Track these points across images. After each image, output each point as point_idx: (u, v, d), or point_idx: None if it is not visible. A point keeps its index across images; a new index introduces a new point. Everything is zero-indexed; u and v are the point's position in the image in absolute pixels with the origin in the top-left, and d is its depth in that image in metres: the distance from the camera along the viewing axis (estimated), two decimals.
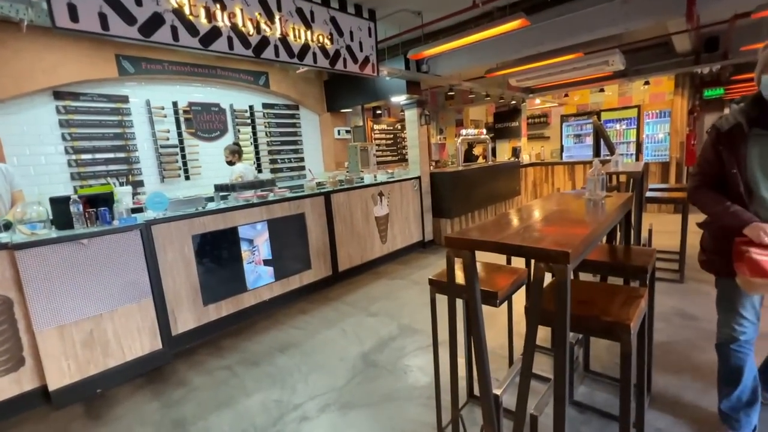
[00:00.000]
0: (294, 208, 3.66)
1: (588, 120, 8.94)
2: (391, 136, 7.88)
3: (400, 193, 4.89)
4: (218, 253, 3.13)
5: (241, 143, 5.30)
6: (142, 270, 2.59)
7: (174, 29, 2.44)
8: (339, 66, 3.56)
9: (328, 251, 4.02)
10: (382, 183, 4.59)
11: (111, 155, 4.23)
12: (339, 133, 6.27)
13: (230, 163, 4.49)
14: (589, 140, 9.01)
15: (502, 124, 8.21)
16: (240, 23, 2.77)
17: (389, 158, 7.86)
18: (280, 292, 3.57)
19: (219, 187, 3.51)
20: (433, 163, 8.89)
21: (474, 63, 4.81)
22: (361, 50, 3.78)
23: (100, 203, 2.58)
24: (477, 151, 8.73)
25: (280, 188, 3.89)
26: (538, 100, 7.79)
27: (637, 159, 8.17)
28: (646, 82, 6.37)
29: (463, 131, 6.06)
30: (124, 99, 4.30)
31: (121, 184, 4.08)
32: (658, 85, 8.22)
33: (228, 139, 5.24)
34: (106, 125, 4.19)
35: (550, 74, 6.04)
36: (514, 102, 7.30)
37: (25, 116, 3.72)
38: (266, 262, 3.47)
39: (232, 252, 3.22)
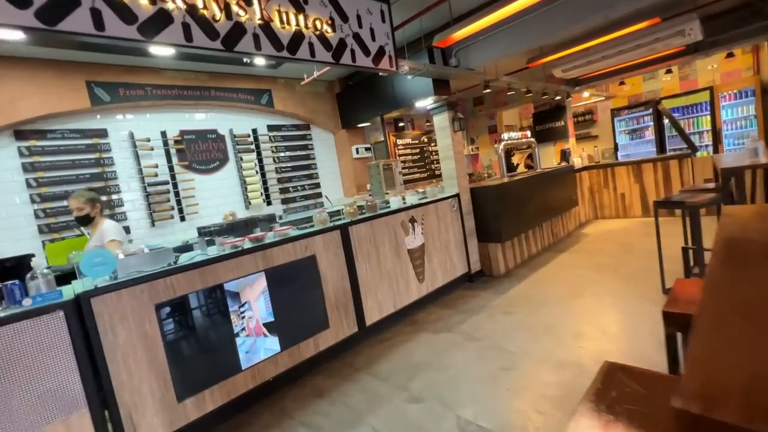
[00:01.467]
0: (301, 250, 2.77)
1: (645, 111, 7.68)
2: (417, 150, 6.99)
3: (435, 216, 3.92)
4: (196, 324, 2.26)
5: (246, 173, 4.55)
6: (68, 370, 1.74)
7: (96, 14, 1.67)
8: (345, 59, 2.72)
9: (350, 301, 3.07)
10: (412, 206, 3.66)
11: None
12: (357, 152, 5.44)
13: (85, 219, 2.62)
14: (649, 134, 7.71)
15: (544, 126, 7.13)
16: (200, 5, 1.99)
17: (417, 175, 6.94)
18: (288, 365, 2.64)
19: (204, 232, 2.68)
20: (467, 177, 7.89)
21: (514, 48, 3.85)
22: (374, 39, 2.93)
23: (11, 273, 1.79)
24: (517, 159, 7.64)
25: (281, 226, 3.02)
26: (586, 93, 6.68)
27: (716, 150, 6.80)
28: (730, 54, 5.15)
29: (505, 135, 5.04)
30: (102, 133, 3.65)
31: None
32: (731, 62, 6.91)
33: (229, 169, 4.51)
34: (81, 165, 3.53)
35: (605, 57, 4.98)
36: (558, 97, 6.25)
37: None
38: (267, 327, 2.56)
39: (217, 319, 2.34)
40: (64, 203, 3.43)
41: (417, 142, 7.03)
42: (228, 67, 4.18)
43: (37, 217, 3.30)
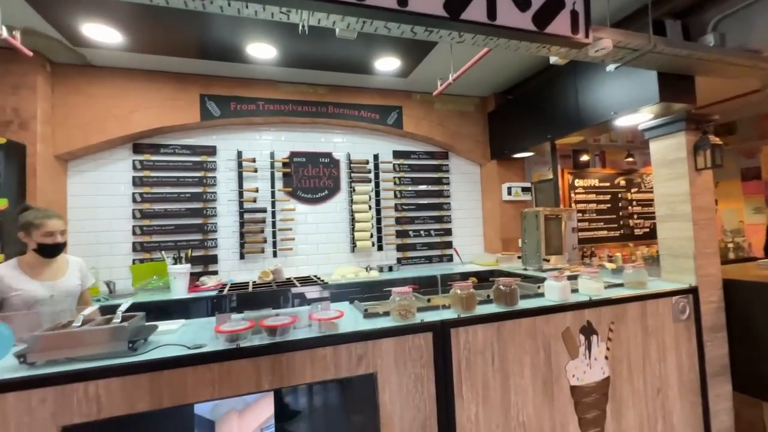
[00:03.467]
0: (352, 363, 1.50)
1: None
2: (608, 197, 4.80)
3: (639, 326, 2.01)
4: None
5: (356, 207, 3.65)
6: None
7: None
8: (475, 15, 1.40)
9: None
10: (592, 303, 1.89)
11: (183, 221, 3.24)
12: (510, 192, 3.86)
13: (60, 246, 1.86)
14: None
15: None
16: None
17: (603, 234, 4.74)
18: None
19: (220, 300, 1.71)
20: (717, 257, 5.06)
21: None
22: None
23: None
24: None
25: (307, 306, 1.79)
26: None
27: None
28: None
29: None
30: (211, 150, 3.34)
31: (176, 261, 2.94)
32: None
33: (339, 201, 3.69)
34: (184, 183, 3.27)
35: None
36: None
37: (99, 174, 3.11)
38: None
39: None
40: (161, 222, 3.18)
41: (608, 185, 4.85)
42: (351, 78, 3.41)
43: (134, 233, 3.13)
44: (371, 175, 3.77)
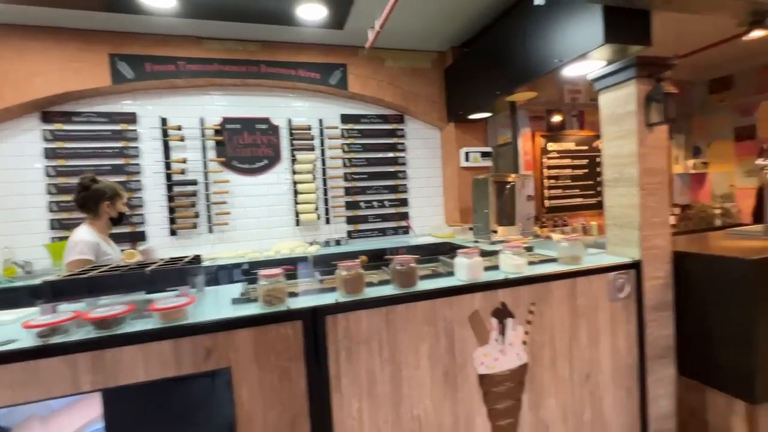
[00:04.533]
0: (198, 357, 1.28)
1: None
2: (586, 162, 4.44)
3: (566, 306, 1.76)
4: None
5: (299, 178, 3.38)
6: None
7: None
8: None
9: None
10: (508, 282, 1.62)
11: None
12: (468, 158, 3.54)
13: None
14: None
15: None
16: None
17: (578, 201, 4.42)
18: None
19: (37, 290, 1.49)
20: (675, 215, 4.72)
21: None
22: None
23: None
24: None
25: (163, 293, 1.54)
26: None
27: None
28: None
29: None
30: (130, 118, 3.05)
31: None
32: None
33: (281, 171, 3.41)
34: (104, 155, 3.00)
35: None
36: None
37: (5, 146, 2.85)
38: None
39: None
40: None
41: (586, 148, 4.47)
42: (283, 32, 3.03)
43: (50, 210, 2.91)
44: (316, 143, 3.46)
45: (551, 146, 4.24)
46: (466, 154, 3.49)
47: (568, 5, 1.90)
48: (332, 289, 1.58)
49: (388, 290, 1.58)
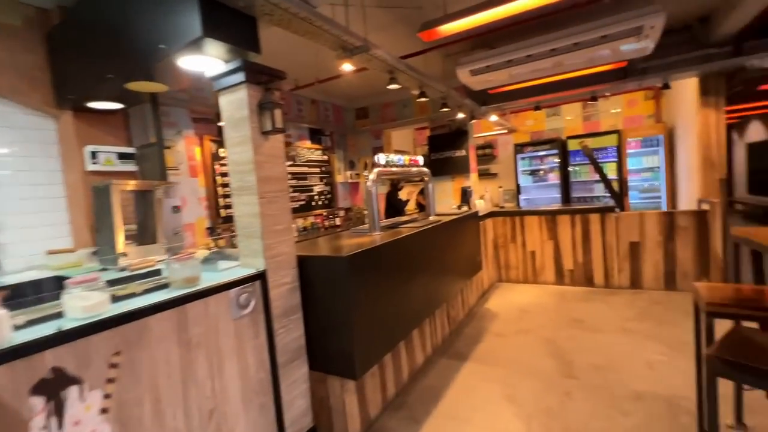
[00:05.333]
0: None
1: (551, 151, 6.59)
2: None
3: (174, 342, 1.46)
4: None
5: None
6: None
7: None
8: None
9: None
10: (69, 333, 1.13)
11: None
12: (97, 158, 2.70)
13: None
14: (554, 178, 6.62)
15: (441, 154, 5.37)
16: None
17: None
18: None
19: None
20: (341, 217, 5.65)
21: None
22: None
23: None
24: (405, 194, 5.75)
25: None
26: (493, 117, 5.12)
27: (621, 204, 5.87)
28: (665, 86, 4.01)
29: (381, 157, 2.91)
30: None
31: None
32: (634, 105, 6.22)
33: None
34: None
35: (531, 58, 3.33)
36: (462, 116, 4.53)
37: None
38: None
39: None
40: None
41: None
42: None
43: None
44: None
45: (224, 152, 4.00)
46: (92, 153, 2.64)
47: None
48: None
49: None
